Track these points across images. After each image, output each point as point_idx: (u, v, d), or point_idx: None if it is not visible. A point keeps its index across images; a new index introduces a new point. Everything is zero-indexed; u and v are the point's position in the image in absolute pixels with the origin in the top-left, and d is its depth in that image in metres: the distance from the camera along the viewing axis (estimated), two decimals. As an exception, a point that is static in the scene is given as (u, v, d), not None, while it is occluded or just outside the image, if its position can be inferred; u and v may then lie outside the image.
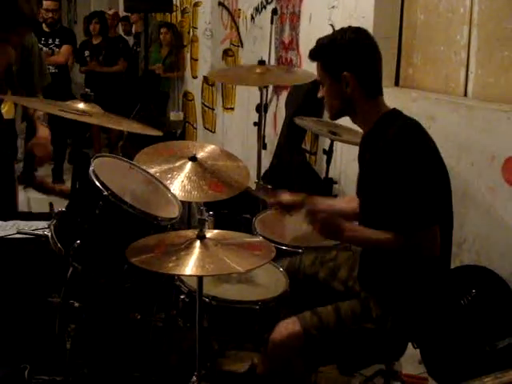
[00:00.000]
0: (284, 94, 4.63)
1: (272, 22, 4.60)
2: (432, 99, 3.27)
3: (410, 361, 2.74)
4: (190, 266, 1.77)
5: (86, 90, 2.31)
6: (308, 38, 4.31)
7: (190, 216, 2.84)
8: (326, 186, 3.43)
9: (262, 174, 3.80)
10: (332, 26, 3.96)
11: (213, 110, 6.40)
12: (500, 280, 2.72)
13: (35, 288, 2.49)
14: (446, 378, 2.78)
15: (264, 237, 2.43)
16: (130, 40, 7.61)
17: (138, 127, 2.60)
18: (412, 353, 2.37)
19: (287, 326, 2.01)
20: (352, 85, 2.02)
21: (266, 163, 4.26)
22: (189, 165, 2.56)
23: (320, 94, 2.14)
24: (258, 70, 3.26)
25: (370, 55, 2.05)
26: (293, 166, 4.24)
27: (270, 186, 2.60)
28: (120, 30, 7.89)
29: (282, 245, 2.52)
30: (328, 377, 2.39)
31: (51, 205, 2.77)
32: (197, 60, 6.74)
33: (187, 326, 2.18)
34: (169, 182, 2.48)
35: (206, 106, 6.59)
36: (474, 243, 2.96)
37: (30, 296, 2.50)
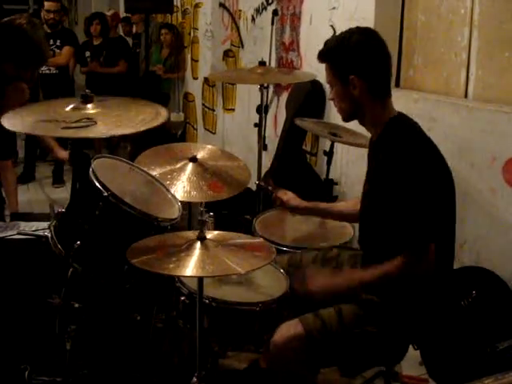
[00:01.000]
0: (284, 95, 4.63)
1: (272, 23, 4.58)
2: (432, 100, 3.26)
3: (411, 362, 2.73)
4: (190, 267, 1.76)
5: (87, 90, 2.31)
6: (308, 39, 4.30)
7: (190, 217, 2.84)
8: (327, 188, 3.42)
9: (262, 174, 3.79)
10: (332, 27, 3.95)
11: (213, 111, 6.39)
12: (500, 281, 2.72)
13: (35, 289, 2.50)
14: (446, 380, 2.78)
15: (264, 238, 2.43)
16: (131, 41, 7.60)
17: (141, 124, 2.56)
18: (412, 354, 2.36)
19: (289, 328, 2.01)
20: (359, 87, 2.00)
21: (266, 164, 4.26)
22: (189, 166, 2.56)
23: (330, 97, 2.13)
24: (258, 71, 3.27)
25: (376, 57, 2.02)
26: (293, 167, 4.24)
27: (270, 187, 2.60)
28: (120, 30, 7.88)
29: (283, 246, 2.52)
30: (329, 378, 2.39)
31: (51, 205, 2.78)
32: (197, 61, 6.73)
33: (187, 328, 2.18)
34: (169, 182, 2.48)
35: (206, 107, 6.59)
36: (475, 244, 2.96)
37: (31, 297, 2.50)
